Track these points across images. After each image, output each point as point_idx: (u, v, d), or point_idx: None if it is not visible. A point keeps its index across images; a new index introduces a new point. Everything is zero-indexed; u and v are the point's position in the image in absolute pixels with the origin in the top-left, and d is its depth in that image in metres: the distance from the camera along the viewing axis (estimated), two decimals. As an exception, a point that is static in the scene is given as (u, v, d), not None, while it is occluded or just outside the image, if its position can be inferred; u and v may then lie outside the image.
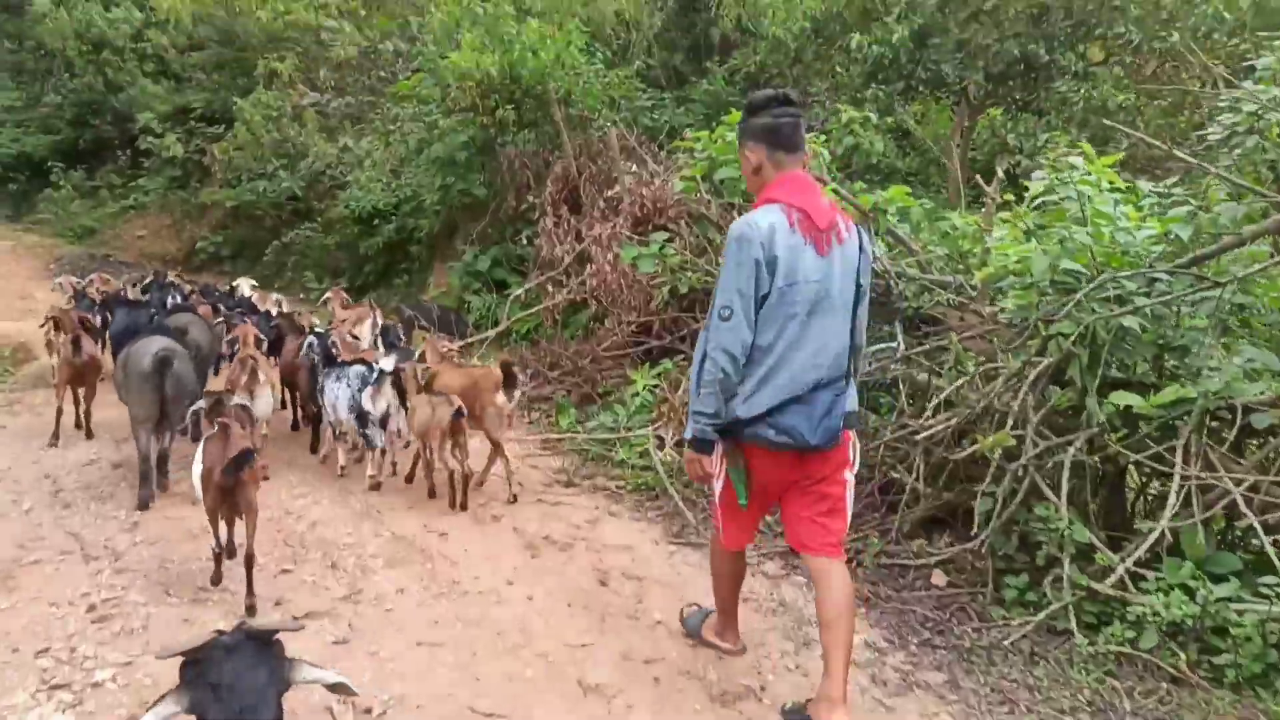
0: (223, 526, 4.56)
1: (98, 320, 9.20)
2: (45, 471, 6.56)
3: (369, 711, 3.52)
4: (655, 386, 7.48)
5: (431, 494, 6.07)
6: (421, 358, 6.90)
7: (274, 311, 9.90)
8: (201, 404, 5.41)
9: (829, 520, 3.35)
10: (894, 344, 5.56)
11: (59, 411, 7.50)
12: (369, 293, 14.57)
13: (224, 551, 4.60)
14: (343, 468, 6.60)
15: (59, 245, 19.73)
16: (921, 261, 6.01)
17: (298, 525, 5.56)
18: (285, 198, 16.34)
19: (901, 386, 5.46)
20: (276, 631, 1.81)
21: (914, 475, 4.98)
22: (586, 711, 3.55)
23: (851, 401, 3.33)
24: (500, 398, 6.00)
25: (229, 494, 4.31)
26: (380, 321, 9.23)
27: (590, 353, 8.90)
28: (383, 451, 6.33)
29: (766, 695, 3.68)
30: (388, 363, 6.28)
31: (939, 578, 4.65)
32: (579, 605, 4.49)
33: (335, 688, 1.87)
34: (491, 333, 10.42)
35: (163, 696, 1.70)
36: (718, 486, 3.49)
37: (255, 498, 4.43)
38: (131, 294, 10.48)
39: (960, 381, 4.72)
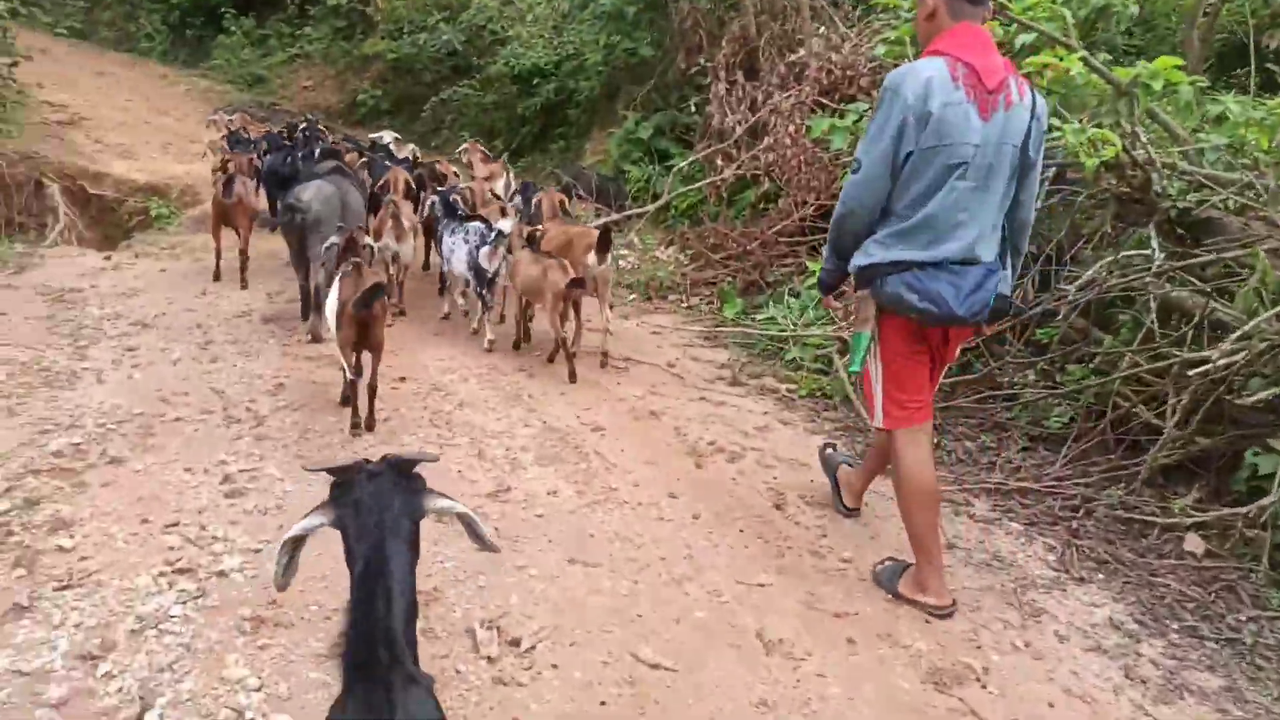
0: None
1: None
2: (198, 320, 6.32)
3: (516, 643, 3.00)
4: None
5: (516, 346, 6.24)
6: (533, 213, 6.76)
7: (412, 160, 9.55)
8: (336, 240, 5.35)
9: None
10: (1149, 251, 4.53)
11: (216, 253, 7.40)
12: (525, 156, 13.99)
13: (357, 378, 4.72)
14: (475, 329, 6.45)
15: (230, 92, 19.87)
16: (1190, 153, 4.86)
17: (445, 404, 5.10)
18: (445, 52, 15.70)
19: (1152, 305, 4.44)
20: (417, 462, 1.87)
21: (1169, 414, 4.04)
22: (770, 676, 2.92)
23: (1002, 284, 3.06)
24: (591, 258, 5.78)
25: (363, 327, 4.56)
26: (513, 182, 8.86)
27: (759, 236, 8.06)
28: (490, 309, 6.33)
29: (991, 681, 2.96)
30: (506, 224, 6.10)
31: (1194, 543, 3.76)
32: (752, 533, 3.84)
33: (463, 519, 1.88)
34: (650, 207, 9.65)
35: (312, 510, 1.79)
36: (875, 366, 3.22)
37: (383, 333, 4.72)
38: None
39: (1266, 314, 3.67)
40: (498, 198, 7.94)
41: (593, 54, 12.27)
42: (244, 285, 7.34)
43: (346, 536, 1.75)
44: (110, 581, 3.15)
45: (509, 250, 6.00)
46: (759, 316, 6.78)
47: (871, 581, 3.52)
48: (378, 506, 1.74)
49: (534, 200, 6.92)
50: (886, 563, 3.57)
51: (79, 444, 4.16)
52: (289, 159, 7.81)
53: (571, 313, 5.73)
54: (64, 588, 3.07)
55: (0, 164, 11.83)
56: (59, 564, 3.22)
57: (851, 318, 3.49)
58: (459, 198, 6.74)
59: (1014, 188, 3.04)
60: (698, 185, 9.38)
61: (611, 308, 6.29)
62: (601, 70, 12.38)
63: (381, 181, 7.61)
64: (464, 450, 4.49)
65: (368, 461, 1.86)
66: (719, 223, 8.72)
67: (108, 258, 7.86)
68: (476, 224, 6.22)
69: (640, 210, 9.71)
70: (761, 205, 8.99)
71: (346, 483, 1.79)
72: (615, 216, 9.75)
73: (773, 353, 6.21)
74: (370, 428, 4.70)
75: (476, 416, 4.92)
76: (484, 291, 6.14)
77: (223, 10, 21.60)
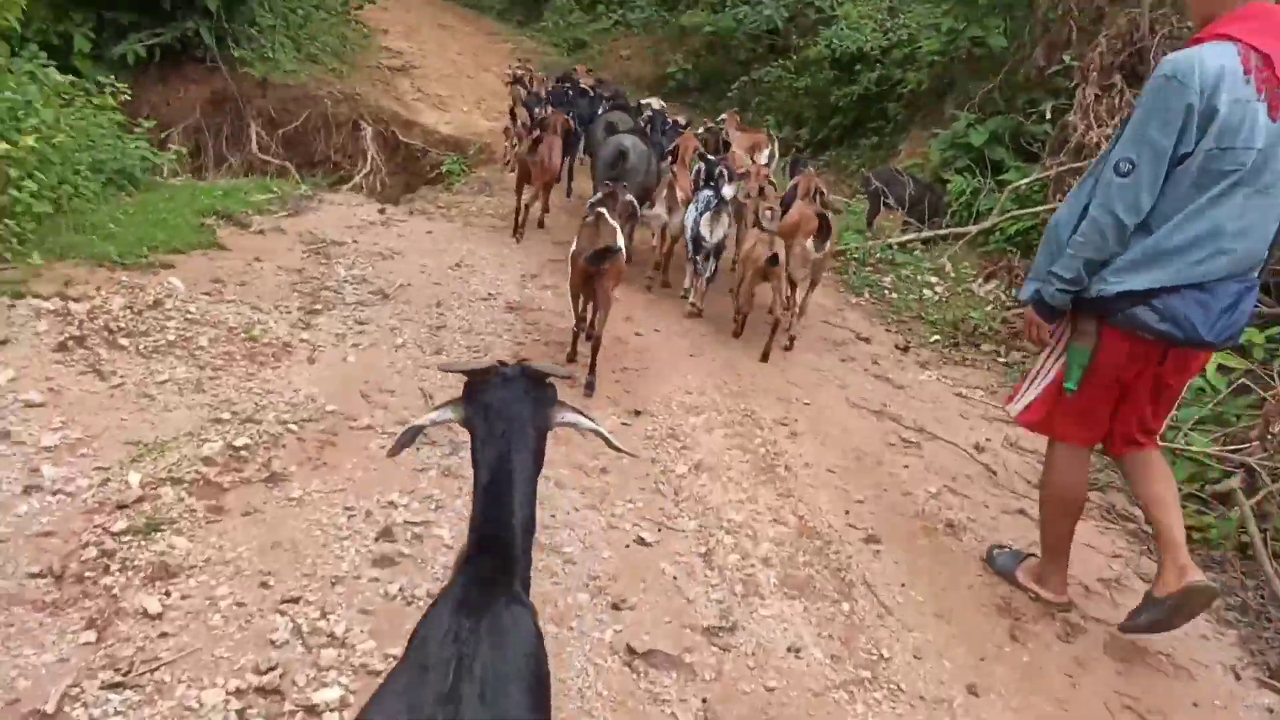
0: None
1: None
2: (439, 297, 5.59)
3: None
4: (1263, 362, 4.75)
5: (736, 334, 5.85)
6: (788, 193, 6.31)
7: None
8: (597, 194, 5.29)
9: (1161, 415, 2.89)
10: None
11: (516, 209, 7.37)
12: (830, 149, 12.56)
13: (580, 327, 4.80)
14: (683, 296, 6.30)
15: (550, 54, 19.92)
16: None
17: (678, 462, 3.97)
18: (764, 29, 14.54)
19: None
20: (550, 375, 1.80)
21: None
22: None
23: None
24: (808, 244, 5.52)
25: (589, 280, 4.52)
26: (776, 152, 8.44)
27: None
28: (708, 280, 6.07)
29: None
30: (729, 190, 5.83)
31: None
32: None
33: (597, 434, 1.80)
34: (972, 228, 7.99)
35: (444, 404, 1.74)
36: (1049, 366, 2.96)
37: (611, 291, 4.63)
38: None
39: None
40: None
41: (929, 41, 10.59)
42: (518, 236, 7.17)
43: (474, 437, 1.70)
44: (173, 688, 2.27)
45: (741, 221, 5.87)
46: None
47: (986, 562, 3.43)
48: (508, 412, 1.69)
49: (792, 182, 6.52)
50: (1005, 549, 3.49)
51: (243, 448, 3.41)
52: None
53: (777, 292, 5.48)
54: (114, 685, 2.24)
55: (326, 102, 12.13)
56: (132, 637, 2.40)
57: (1062, 331, 2.93)
58: (724, 168, 6.15)
59: None
60: (1037, 210, 7.60)
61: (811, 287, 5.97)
62: (936, 60, 10.68)
63: (671, 147, 7.18)
64: (689, 542, 3.34)
65: (503, 364, 1.80)
66: (1059, 259, 6.96)
67: (381, 210, 7.43)
68: (707, 191, 5.89)
69: (958, 230, 8.07)
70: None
71: (480, 384, 1.74)
72: (926, 233, 8.18)
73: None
74: (589, 387, 4.59)
75: (714, 492, 3.75)
76: (698, 259, 5.88)
77: (561, -28, 21.71)
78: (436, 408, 1.75)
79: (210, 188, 6.91)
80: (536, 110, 9.04)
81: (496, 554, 1.56)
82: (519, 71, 11.87)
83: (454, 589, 1.51)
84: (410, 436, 1.74)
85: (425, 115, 12.96)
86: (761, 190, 6.00)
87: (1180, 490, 3.55)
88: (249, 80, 11.70)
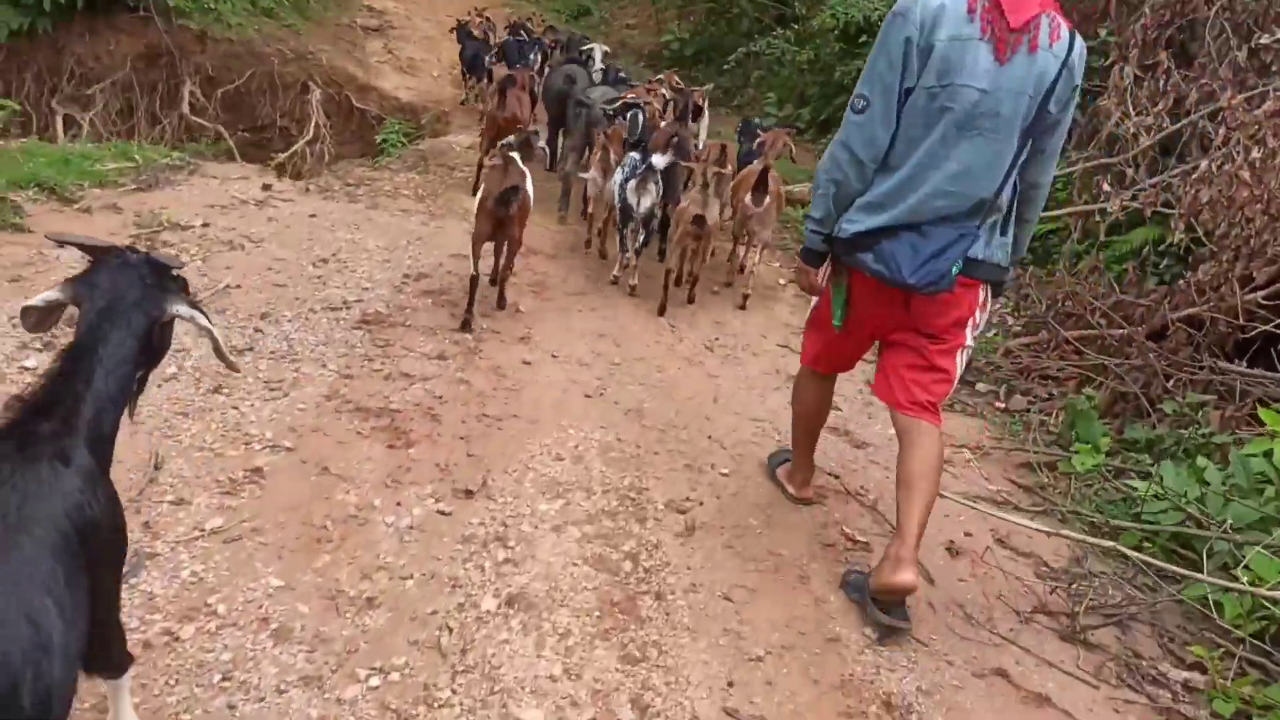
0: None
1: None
2: (268, 307, 4.28)
3: None
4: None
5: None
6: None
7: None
8: (511, 139, 4.87)
9: (929, 378, 2.73)
10: None
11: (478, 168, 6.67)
12: (831, 133, 11.09)
13: (477, 275, 4.54)
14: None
15: (551, 20, 18.52)
16: None
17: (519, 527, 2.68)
18: (770, -2, 13.06)
19: None
20: (173, 267, 1.77)
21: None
22: None
23: (993, 249, 2.58)
24: (747, 199, 5.37)
25: (499, 224, 4.43)
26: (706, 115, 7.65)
27: (1149, 317, 4.86)
28: (639, 252, 5.46)
29: None
30: (660, 159, 5.20)
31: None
32: None
33: (205, 333, 1.76)
34: (980, 231, 6.60)
35: (56, 284, 1.67)
36: (814, 301, 3.02)
37: (519, 233, 4.61)
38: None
39: None
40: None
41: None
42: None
43: (80, 315, 1.64)
44: None
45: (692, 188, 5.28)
46: (1138, 485, 3.67)
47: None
48: (115, 291, 1.66)
49: (759, 141, 6.01)
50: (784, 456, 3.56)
51: None
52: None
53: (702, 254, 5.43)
54: None
55: (273, 61, 10.80)
56: None
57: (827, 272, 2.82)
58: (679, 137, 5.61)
59: (1028, 145, 2.48)
60: (1060, 214, 6.18)
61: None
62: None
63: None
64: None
65: (132, 250, 1.76)
66: (1081, 276, 5.56)
67: (266, 187, 6.11)
68: (633, 154, 5.34)
69: (963, 233, 6.68)
70: (1159, 263, 5.69)
71: (97, 264, 1.70)
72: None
73: (1169, 575, 3.16)
74: (501, 306, 4.80)
75: (517, 657, 2.40)
76: (624, 231, 5.34)
77: (562, -69, 20.22)
78: (49, 287, 1.67)
79: (44, 151, 5.61)
80: (485, 59, 9.06)
81: (55, 414, 1.53)
82: (463, 18, 10.72)
83: None
84: (32, 320, 1.66)
85: (386, 79, 11.61)
86: (723, 150, 5.62)
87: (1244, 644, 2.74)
88: (187, 33, 10.41)
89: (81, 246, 1.72)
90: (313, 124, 10.36)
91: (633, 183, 5.16)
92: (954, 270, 2.48)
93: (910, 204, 2.49)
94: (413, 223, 6.01)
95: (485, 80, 9.20)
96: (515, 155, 4.61)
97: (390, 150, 8.66)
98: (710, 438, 3.82)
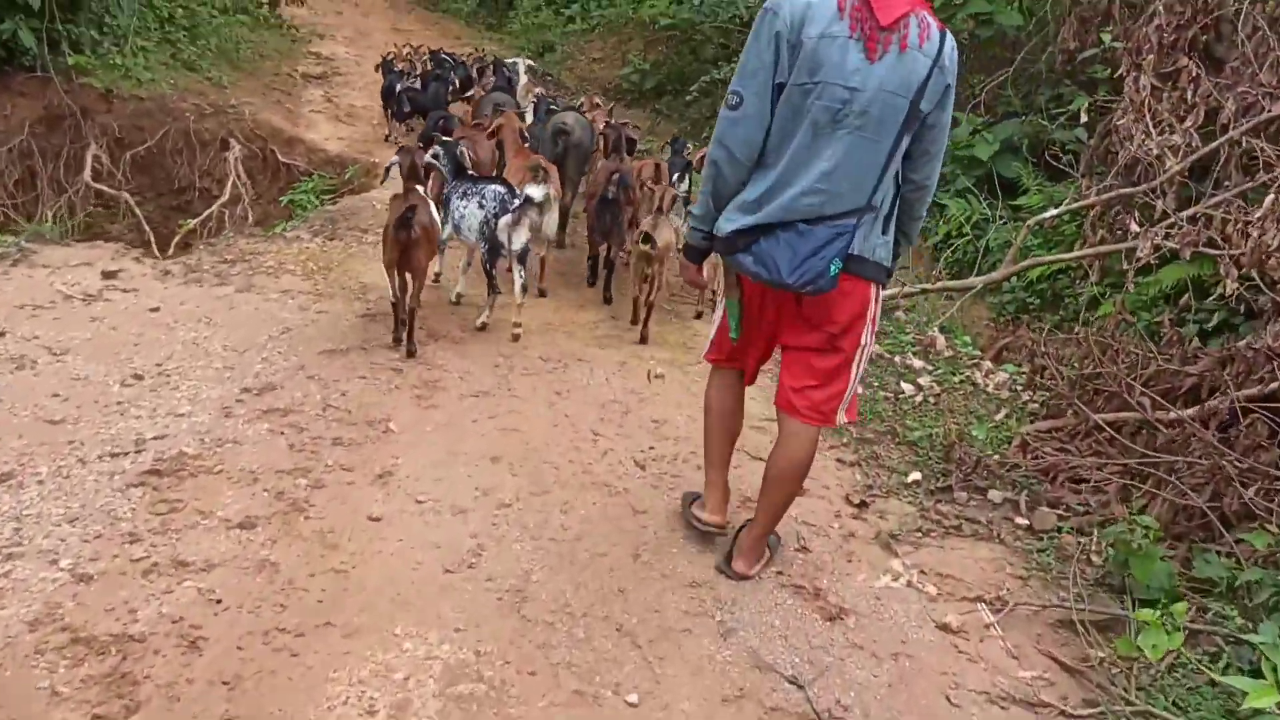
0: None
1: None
2: (26, 455, 3.15)
3: None
4: None
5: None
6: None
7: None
8: (396, 159, 4.68)
9: (821, 380, 2.68)
10: None
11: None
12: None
13: (398, 300, 4.47)
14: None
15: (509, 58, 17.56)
16: None
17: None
18: (737, 22, 11.99)
19: None
20: None
21: None
22: None
23: (874, 246, 2.55)
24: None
25: (403, 251, 4.30)
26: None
27: (1205, 388, 3.71)
28: (525, 289, 4.93)
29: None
30: (536, 190, 4.75)
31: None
32: None
33: None
34: (976, 280, 5.45)
35: None
36: (718, 309, 2.97)
37: (422, 258, 4.42)
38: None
39: None
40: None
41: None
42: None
43: None
44: None
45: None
46: (1218, 661, 2.49)
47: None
48: None
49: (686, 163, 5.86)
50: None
51: None
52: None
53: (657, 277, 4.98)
54: None
55: (189, 117, 9.74)
56: None
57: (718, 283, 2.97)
58: (464, 152, 5.15)
59: (904, 145, 2.43)
60: (1070, 256, 5.06)
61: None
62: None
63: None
64: None
65: None
66: (1107, 333, 4.42)
67: (111, 274, 4.97)
68: (495, 187, 4.87)
69: (955, 284, 5.52)
70: (1198, 310, 4.57)
71: None
72: (912, 290, 5.62)
73: None
74: (411, 354, 4.44)
75: None
76: (491, 268, 4.89)
77: (523, -37, 19.37)
78: None
79: None
80: (398, 87, 9.53)
81: None
82: (388, 55, 10.71)
83: None
84: None
85: (318, 130, 10.53)
86: (657, 168, 5.56)
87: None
88: (90, 93, 9.34)
89: None
90: (229, 184, 9.25)
91: (507, 218, 4.71)
92: (833, 269, 2.44)
93: (782, 202, 2.45)
94: (288, 309, 4.87)
95: (394, 113, 9.86)
96: (411, 182, 4.57)
97: (300, 212, 7.54)
98: (620, 630, 2.65)
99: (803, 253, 2.42)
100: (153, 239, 7.57)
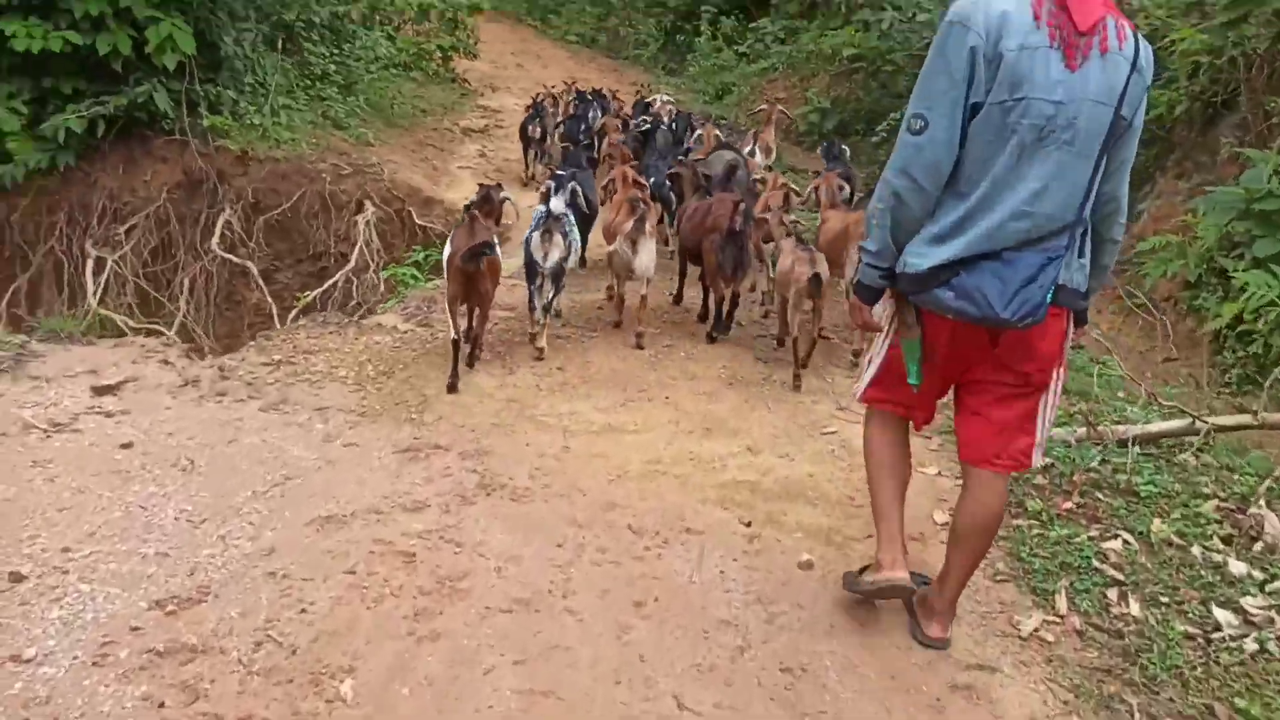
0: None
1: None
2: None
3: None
4: None
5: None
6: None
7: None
8: (472, 198, 4.98)
9: (1013, 429, 2.43)
10: None
11: None
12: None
13: (460, 338, 4.38)
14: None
15: (690, 103, 16.37)
16: None
17: None
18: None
19: None
20: None
21: None
22: None
23: (1072, 272, 2.27)
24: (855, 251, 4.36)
25: (467, 282, 4.26)
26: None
27: None
28: (547, 310, 4.81)
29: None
30: (557, 203, 4.78)
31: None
32: None
33: None
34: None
35: None
36: (881, 346, 2.60)
37: (490, 290, 4.42)
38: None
39: None
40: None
41: (1186, 37, 5.98)
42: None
43: None
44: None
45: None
46: None
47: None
48: None
49: (810, 187, 5.88)
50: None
51: None
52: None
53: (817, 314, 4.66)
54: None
55: (325, 178, 9.04)
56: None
57: (893, 314, 2.50)
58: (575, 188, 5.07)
59: (1105, 157, 2.21)
60: None
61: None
62: (1202, 64, 6.03)
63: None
64: None
65: None
66: None
67: (101, 390, 3.92)
68: (540, 207, 4.83)
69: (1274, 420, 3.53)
70: None
71: None
72: (1196, 423, 3.67)
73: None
74: (471, 363, 4.49)
75: None
76: (533, 288, 4.68)
77: (703, 9, 18.25)
78: None
79: None
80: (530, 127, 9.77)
81: None
82: (538, 96, 10.63)
83: None
84: None
85: (459, 189, 9.60)
86: (786, 198, 5.64)
87: None
88: (226, 155, 8.83)
89: None
90: (357, 250, 8.40)
91: (537, 235, 4.65)
92: (1047, 298, 2.21)
93: (985, 230, 2.20)
94: (307, 441, 3.64)
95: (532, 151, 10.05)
96: (476, 212, 4.55)
97: (401, 289, 6.44)
98: None
99: (1015, 283, 2.18)
100: (202, 335, 6.80)
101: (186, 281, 8.77)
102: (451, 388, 4.25)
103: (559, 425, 4.05)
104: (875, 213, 2.34)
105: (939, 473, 3.92)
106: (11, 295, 8.29)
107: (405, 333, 5.14)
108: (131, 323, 8.11)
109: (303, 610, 2.58)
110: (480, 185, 5.20)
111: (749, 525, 3.34)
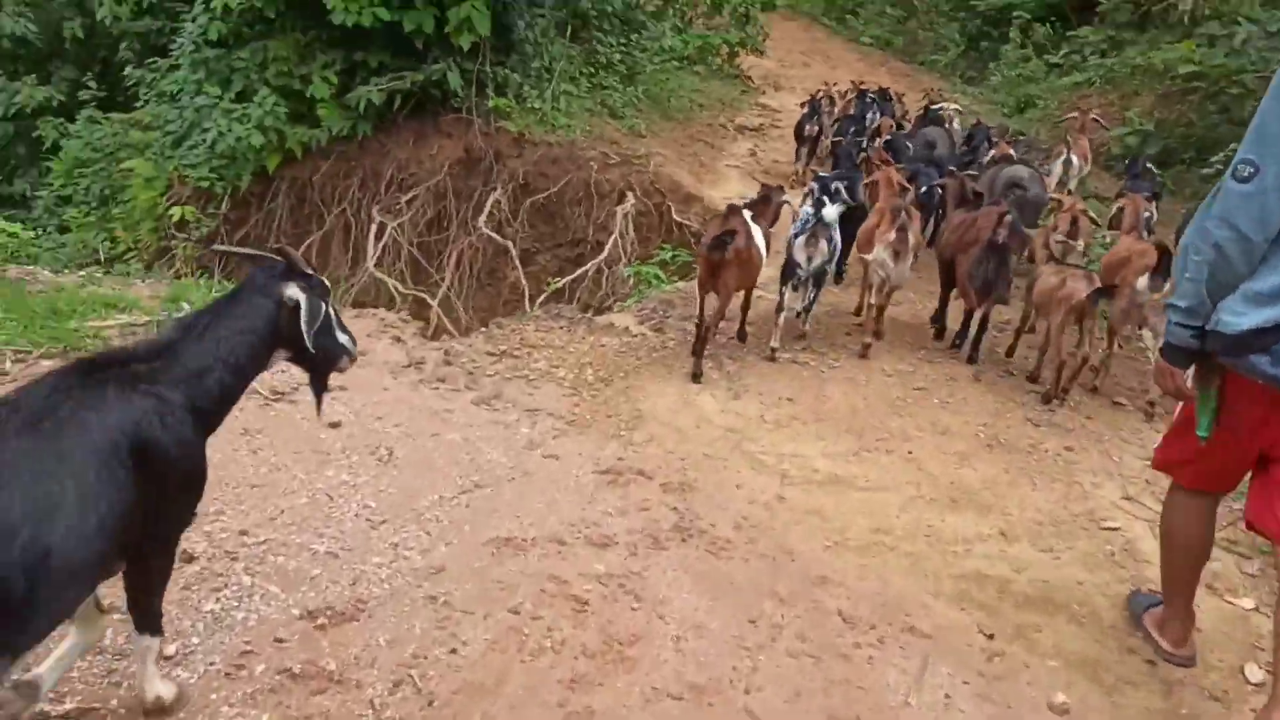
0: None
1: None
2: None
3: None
4: None
5: (1033, 378, 4.66)
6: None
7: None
8: (751, 196, 5.00)
9: None
10: None
11: None
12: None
13: (701, 324, 4.39)
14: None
15: (988, 114, 15.02)
16: None
17: None
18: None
19: None
20: (306, 269, 2.03)
21: None
22: None
23: None
24: (1142, 282, 4.23)
25: (712, 268, 4.27)
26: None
27: None
28: (805, 313, 4.95)
29: None
30: (831, 212, 4.68)
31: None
32: None
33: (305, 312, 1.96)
34: None
35: None
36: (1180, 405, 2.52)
37: (730, 282, 4.35)
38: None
39: None
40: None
41: None
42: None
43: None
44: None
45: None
46: None
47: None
48: (248, 279, 1.97)
49: (1115, 207, 5.51)
50: (1146, 590, 2.92)
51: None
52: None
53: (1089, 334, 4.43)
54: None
55: (593, 165, 9.03)
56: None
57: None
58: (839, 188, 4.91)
59: None
60: None
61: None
62: None
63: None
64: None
65: (279, 252, 2.02)
66: None
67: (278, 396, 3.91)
68: (806, 208, 4.85)
69: None
70: None
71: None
72: None
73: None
74: (695, 377, 4.28)
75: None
76: (785, 289, 4.69)
77: (1015, 14, 16.76)
78: None
79: (75, 292, 3.93)
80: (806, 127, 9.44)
81: (155, 357, 1.76)
82: (816, 94, 10.24)
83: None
84: None
85: (722, 187, 9.27)
86: (1074, 223, 5.10)
87: None
88: (505, 136, 9.05)
89: (240, 253, 2.42)
90: (611, 240, 8.30)
91: (802, 238, 4.65)
92: None
93: None
94: (510, 444, 3.43)
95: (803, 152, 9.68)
96: (740, 206, 4.61)
97: (641, 290, 6.15)
98: None
99: None
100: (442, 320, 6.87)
101: (454, 254, 9.10)
102: (695, 377, 4.28)
103: (777, 467, 3.57)
104: (1190, 265, 2.11)
105: (1255, 607, 3.05)
106: (304, 250, 8.95)
107: (635, 336, 4.86)
108: (401, 288, 8.55)
109: (453, 650, 2.30)
110: (762, 185, 5.22)
111: (991, 638, 2.70)
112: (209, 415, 1.83)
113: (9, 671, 1.58)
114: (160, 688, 1.92)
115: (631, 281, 7.67)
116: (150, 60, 9.32)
